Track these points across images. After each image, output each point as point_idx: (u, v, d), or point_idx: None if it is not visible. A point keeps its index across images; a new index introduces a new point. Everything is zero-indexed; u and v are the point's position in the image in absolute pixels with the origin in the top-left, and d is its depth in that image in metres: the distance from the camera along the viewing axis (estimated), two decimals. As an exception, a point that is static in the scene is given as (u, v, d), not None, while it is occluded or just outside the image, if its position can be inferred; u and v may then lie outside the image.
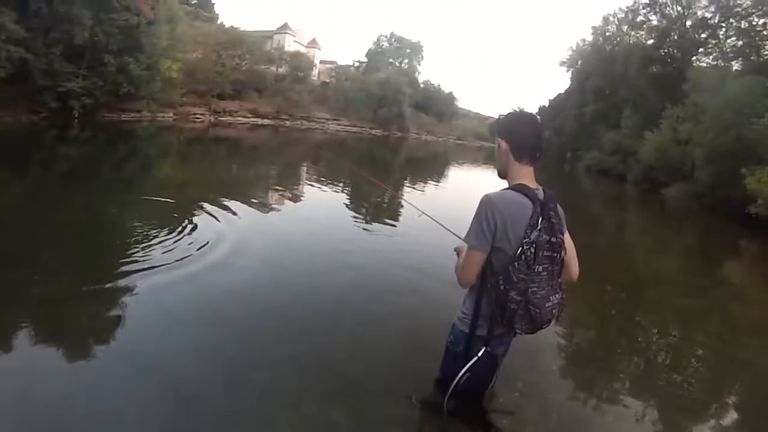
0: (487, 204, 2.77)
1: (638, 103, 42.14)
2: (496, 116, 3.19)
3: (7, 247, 7.11)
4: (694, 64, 37.65)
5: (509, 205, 2.77)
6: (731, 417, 4.95)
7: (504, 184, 2.96)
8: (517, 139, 2.95)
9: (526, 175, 2.93)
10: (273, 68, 64.17)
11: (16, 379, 3.90)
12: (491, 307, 2.86)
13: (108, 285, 5.90)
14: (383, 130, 76.78)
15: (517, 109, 3.07)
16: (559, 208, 2.92)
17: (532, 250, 2.70)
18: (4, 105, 23.27)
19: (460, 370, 3.05)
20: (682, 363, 6.21)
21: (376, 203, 15.20)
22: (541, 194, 2.86)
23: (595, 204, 26.94)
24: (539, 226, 2.72)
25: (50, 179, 13.62)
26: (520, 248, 2.71)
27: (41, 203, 10.13)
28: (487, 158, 54.17)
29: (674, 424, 4.69)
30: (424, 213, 5.29)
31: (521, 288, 2.72)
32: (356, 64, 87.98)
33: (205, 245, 7.60)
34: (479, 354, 3.01)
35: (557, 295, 2.86)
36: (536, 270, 2.72)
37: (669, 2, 42.05)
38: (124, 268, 6.33)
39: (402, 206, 13.51)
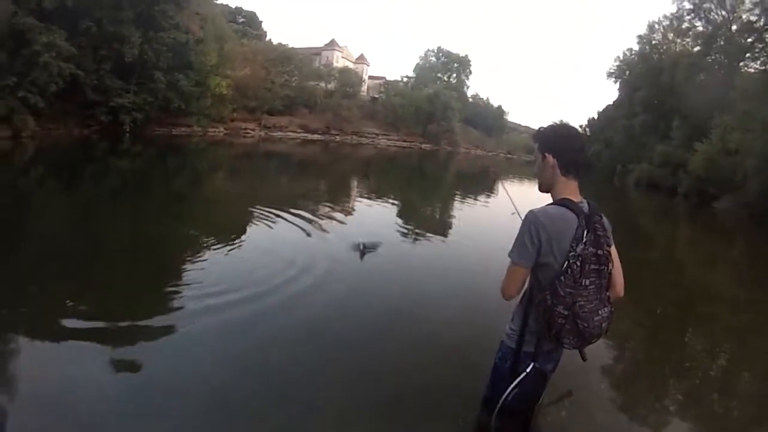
0: (532, 220, 2.76)
1: (686, 113, 40.73)
2: (540, 129, 3.14)
3: (60, 258, 7.23)
4: (742, 70, 36.77)
5: (554, 221, 2.76)
6: None
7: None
8: (564, 153, 2.94)
9: (572, 190, 2.92)
10: (322, 84, 65.08)
11: (65, 392, 3.92)
12: (539, 323, 2.86)
13: (152, 295, 6.12)
14: (432, 144, 76.94)
15: (560, 122, 3.12)
16: (605, 221, 2.90)
17: (578, 263, 2.69)
18: (55, 119, 24.11)
19: (507, 387, 3.01)
20: (733, 385, 6.00)
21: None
22: (585, 207, 2.85)
23: (645, 219, 26.14)
24: (584, 240, 2.71)
25: (102, 191, 13.88)
26: (566, 262, 2.70)
27: (96, 215, 10.41)
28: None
29: None
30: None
31: (568, 302, 2.71)
32: (404, 79, 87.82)
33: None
34: (528, 369, 2.97)
35: (606, 309, 2.82)
36: (583, 284, 2.70)
37: (713, 7, 41.08)
38: (174, 287, 6.40)
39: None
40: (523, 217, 2.82)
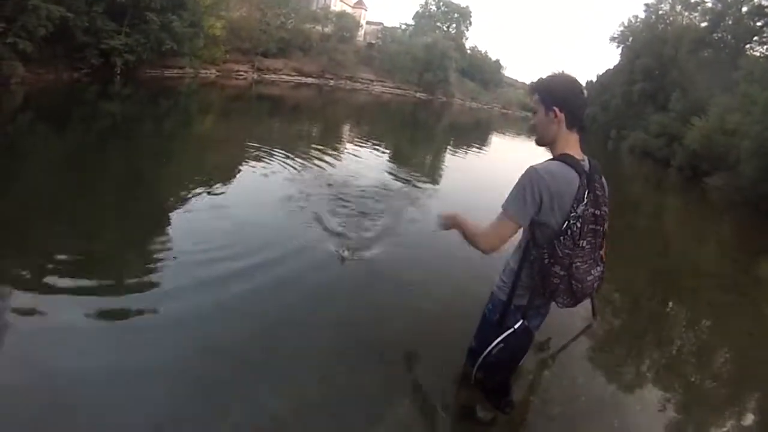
0: (534, 177, 2.67)
1: (687, 87, 40.69)
2: (538, 79, 3.03)
3: (49, 201, 7.32)
4: (748, 53, 36.40)
5: (556, 179, 2.67)
6: (752, 418, 4.90)
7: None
8: (573, 106, 2.81)
9: (574, 144, 2.84)
10: (318, 27, 63.83)
11: (46, 334, 3.97)
12: (532, 278, 2.85)
13: (146, 239, 6.21)
14: (428, 94, 76.27)
15: (561, 72, 2.94)
16: (603, 180, 2.86)
17: (578, 224, 2.65)
18: (45, 63, 23.34)
19: (494, 339, 2.99)
20: (711, 358, 6.18)
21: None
22: (586, 165, 2.79)
23: (637, 186, 26.51)
24: (585, 200, 2.66)
25: (91, 135, 13.91)
26: (566, 222, 2.65)
27: (84, 162, 10.37)
28: (532, 129, 54.11)
29: (695, 418, 4.69)
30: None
31: (566, 263, 2.69)
32: (403, 26, 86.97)
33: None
34: (515, 326, 2.95)
35: (598, 268, 2.84)
36: (581, 245, 2.68)
37: (726, -15, 40.37)
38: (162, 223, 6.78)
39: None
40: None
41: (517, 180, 2.72)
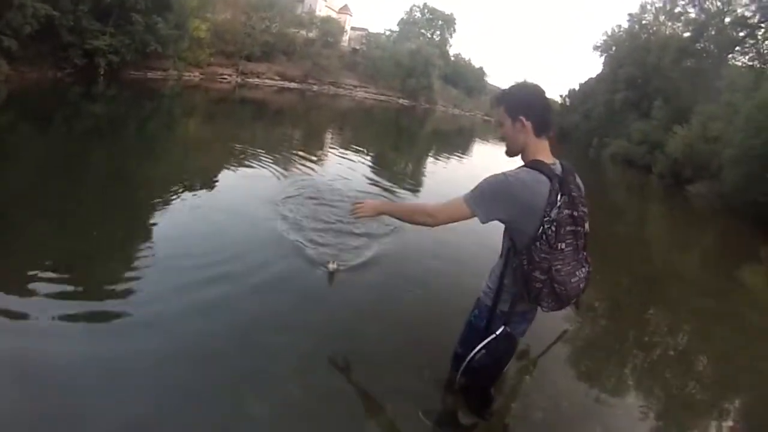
0: (505, 186, 2.70)
1: (670, 96, 41.31)
2: (501, 91, 3.05)
3: (33, 201, 7.22)
4: (730, 62, 36.77)
5: (527, 186, 2.68)
6: (732, 422, 4.92)
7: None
8: (539, 113, 2.84)
9: (543, 150, 2.86)
10: (303, 32, 63.75)
11: (26, 335, 3.91)
12: (516, 285, 2.84)
13: (126, 241, 6.15)
14: (410, 100, 76.80)
15: (524, 82, 3.02)
16: (579, 180, 2.88)
17: (553, 228, 2.64)
18: (29, 61, 23.22)
19: (477, 345, 3.00)
20: (693, 363, 6.19)
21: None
22: (558, 169, 2.80)
23: (618, 193, 26.71)
24: (559, 203, 2.65)
25: (73, 136, 13.72)
26: (541, 227, 2.65)
27: (65, 163, 10.16)
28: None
29: (677, 424, 4.70)
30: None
31: (544, 267, 2.68)
32: (387, 32, 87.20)
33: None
34: (497, 332, 2.97)
35: (583, 270, 2.82)
36: (559, 248, 2.66)
37: (709, -4, 40.74)
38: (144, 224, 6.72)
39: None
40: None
41: (489, 177, 2.77)
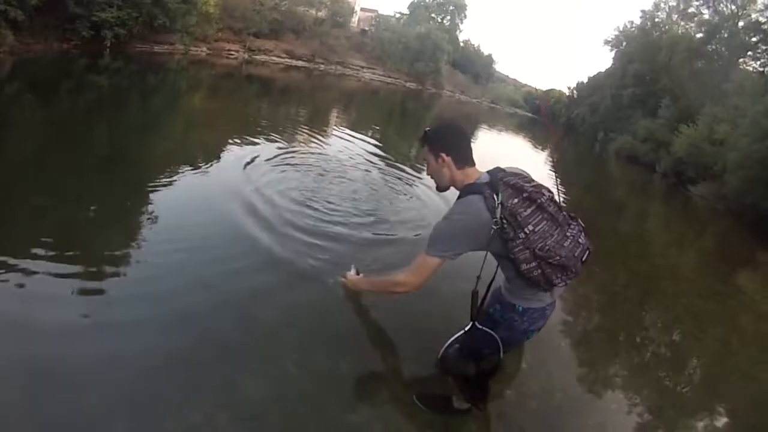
0: (452, 227, 2.95)
1: (678, 95, 41.09)
2: (423, 133, 3.29)
3: (32, 172, 7.19)
4: (740, 67, 36.62)
5: (467, 216, 2.90)
6: (722, 423, 4.98)
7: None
8: (459, 149, 3.13)
9: (470, 176, 3.09)
10: (312, 11, 63.09)
11: (21, 302, 3.90)
12: (526, 286, 2.97)
13: (128, 214, 6.17)
14: (417, 84, 76.20)
15: (442, 122, 3.18)
16: (512, 169, 3.08)
17: (506, 223, 2.75)
18: (35, 33, 23.03)
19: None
20: (685, 362, 6.21)
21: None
22: (485, 178, 2.99)
23: (621, 190, 26.55)
24: (497, 202, 2.77)
25: (77, 109, 13.71)
26: (498, 230, 2.77)
27: (67, 135, 10.11)
28: (519, 126, 54.54)
29: (669, 419, 4.72)
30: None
31: (526, 256, 2.78)
32: (397, 15, 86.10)
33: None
34: (466, 328, 3.25)
35: (572, 229, 2.93)
36: (528, 230, 2.77)
37: (724, -1, 40.57)
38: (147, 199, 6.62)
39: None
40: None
41: (435, 227, 3.02)
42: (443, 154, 3.11)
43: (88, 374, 3.31)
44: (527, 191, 2.81)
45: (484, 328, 3.17)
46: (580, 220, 3.03)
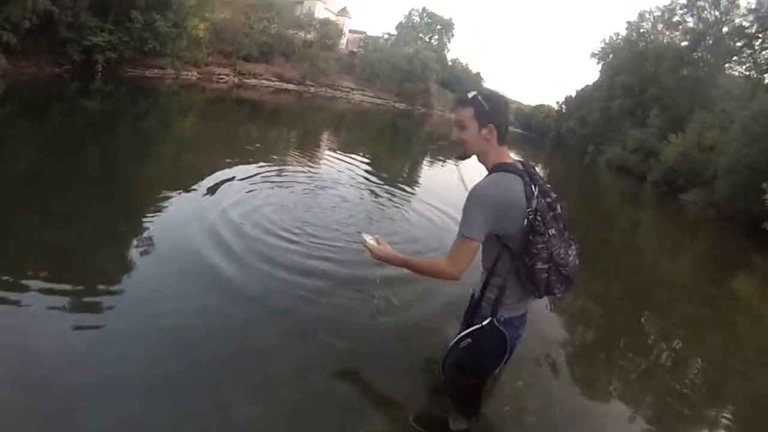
0: (483, 196, 2.70)
1: (666, 104, 41.67)
2: (468, 94, 2.90)
3: (24, 194, 7.22)
4: (726, 72, 36.96)
5: (501, 189, 2.71)
6: (724, 427, 4.96)
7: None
8: (502, 122, 2.84)
9: (506, 155, 2.88)
10: (301, 34, 63.67)
11: (17, 330, 3.87)
12: (521, 286, 2.88)
13: (121, 238, 6.10)
14: (407, 104, 76.88)
15: (490, 89, 2.92)
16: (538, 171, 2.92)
17: (539, 218, 2.66)
18: (27, 56, 23.21)
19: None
20: (684, 369, 6.23)
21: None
22: (520, 165, 2.84)
23: (612, 200, 26.77)
24: (535, 194, 2.69)
25: (68, 133, 13.63)
26: (527, 221, 2.67)
27: (62, 153, 10.25)
28: (510, 143, 54.78)
29: (667, 427, 4.71)
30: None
31: (544, 256, 2.71)
32: (385, 36, 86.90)
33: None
34: (484, 323, 2.96)
35: (573, 247, 2.88)
36: (550, 234, 2.69)
37: (707, 6, 41.18)
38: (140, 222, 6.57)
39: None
40: (468, 190, 2.81)
41: (467, 200, 2.74)
42: (492, 125, 2.79)
43: (78, 398, 3.33)
44: (551, 197, 2.75)
45: (500, 326, 2.96)
46: (576, 243, 2.97)
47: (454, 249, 2.82)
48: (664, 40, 49.06)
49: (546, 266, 2.73)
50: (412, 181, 14.90)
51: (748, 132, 23.36)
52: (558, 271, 2.77)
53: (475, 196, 2.71)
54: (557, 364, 5.14)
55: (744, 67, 36.86)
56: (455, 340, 2.99)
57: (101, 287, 4.70)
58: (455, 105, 2.98)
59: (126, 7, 28.24)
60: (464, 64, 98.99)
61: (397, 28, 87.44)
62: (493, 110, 2.81)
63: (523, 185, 2.70)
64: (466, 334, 2.96)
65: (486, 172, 2.87)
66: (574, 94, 74.55)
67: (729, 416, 5.21)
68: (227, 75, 48.16)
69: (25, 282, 4.50)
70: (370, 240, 3.07)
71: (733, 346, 7.52)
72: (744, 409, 5.59)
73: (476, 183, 2.77)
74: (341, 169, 13.36)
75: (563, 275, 2.79)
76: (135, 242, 5.89)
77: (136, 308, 4.41)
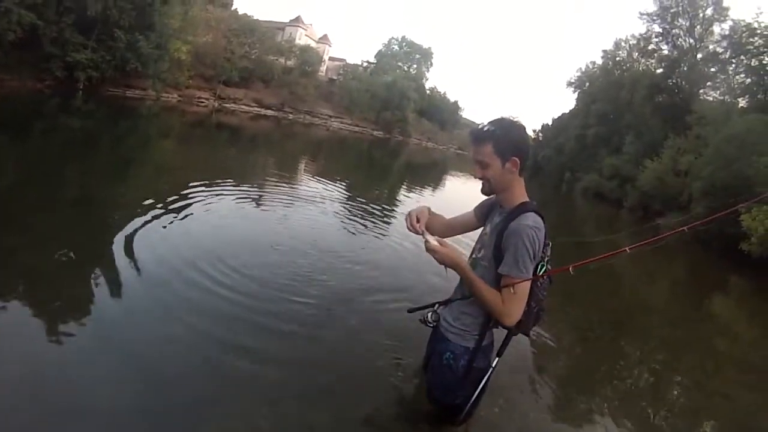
0: (536, 234, 2.65)
1: (641, 131, 42.30)
2: (487, 128, 2.81)
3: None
4: (701, 97, 37.68)
5: (541, 231, 2.70)
6: None
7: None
8: (525, 152, 2.79)
9: (524, 189, 2.86)
10: (282, 60, 64.00)
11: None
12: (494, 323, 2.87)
13: (93, 259, 5.81)
14: (385, 132, 77.24)
15: (510, 119, 2.83)
16: None
17: (549, 266, 2.76)
18: (10, 69, 23.18)
19: (466, 387, 3.01)
20: (663, 392, 6.21)
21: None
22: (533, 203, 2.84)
23: (589, 227, 27.00)
24: (548, 241, 2.77)
25: (46, 150, 13.45)
26: (539, 265, 2.72)
27: (39, 172, 10.02)
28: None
29: None
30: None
31: (538, 297, 2.79)
32: (365, 64, 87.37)
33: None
34: (494, 365, 3.02)
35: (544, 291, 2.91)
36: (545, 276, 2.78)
37: (682, 33, 41.92)
38: (113, 243, 6.18)
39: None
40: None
41: (524, 237, 2.64)
42: (515, 158, 2.72)
43: (51, 426, 3.20)
44: (547, 243, 2.79)
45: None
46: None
47: (515, 293, 2.68)
48: (640, 68, 49.83)
49: (536, 308, 2.83)
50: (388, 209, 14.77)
51: (722, 155, 23.74)
52: (538, 313, 2.88)
53: (529, 237, 2.63)
54: (534, 390, 5.07)
55: (718, 92, 37.46)
56: (474, 398, 3.03)
57: (72, 310, 4.54)
58: (471, 141, 2.88)
59: (110, 26, 28.38)
60: (443, 92, 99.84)
61: (376, 56, 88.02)
62: (513, 141, 2.75)
63: (545, 230, 2.73)
64: (483, 385, 3.03)
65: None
66: (550, 123, 75.50)
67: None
68: (207, 99, 48.33)
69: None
70: (432, 240, 2.84)
71: (711, 367, 7.63)
72: (724, 429, 5.72)
73: (523, 222, 2.67)
74: (314, 196, 12.89)
75: (538, 317, 2.91)
76: (110, 264, 5.64)
77: (108, 333, 4.27)
